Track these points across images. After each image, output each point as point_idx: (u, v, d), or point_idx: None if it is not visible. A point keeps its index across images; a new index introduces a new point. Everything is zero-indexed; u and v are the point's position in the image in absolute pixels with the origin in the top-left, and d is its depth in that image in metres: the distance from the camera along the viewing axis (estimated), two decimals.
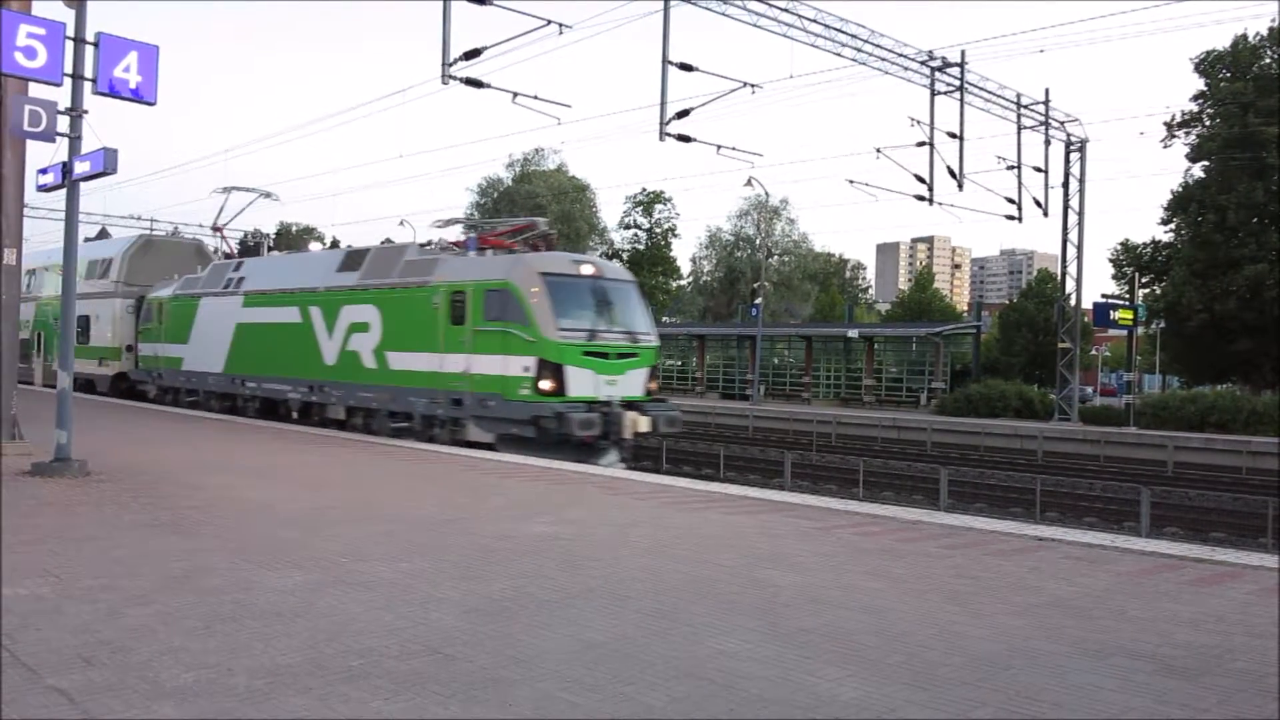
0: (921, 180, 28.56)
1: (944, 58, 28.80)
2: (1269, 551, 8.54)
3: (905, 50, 28.01)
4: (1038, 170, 32.76)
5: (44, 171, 12.74)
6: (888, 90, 37.47)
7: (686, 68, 22.31)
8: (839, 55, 26.74)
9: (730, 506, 10.51)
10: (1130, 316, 34.31)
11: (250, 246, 31.04)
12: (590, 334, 17.36)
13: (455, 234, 21.71)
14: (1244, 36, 39.40)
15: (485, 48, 19.77)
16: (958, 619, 6.12)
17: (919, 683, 4.86)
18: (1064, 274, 37.07)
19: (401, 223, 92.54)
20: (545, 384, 16.65)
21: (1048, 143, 33.41)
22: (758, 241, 67.10)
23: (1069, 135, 34.95)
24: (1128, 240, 45.50)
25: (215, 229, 31.26)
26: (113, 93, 11.57)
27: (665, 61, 21.94)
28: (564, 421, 16.04)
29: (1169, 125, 41.55)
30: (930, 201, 28.87)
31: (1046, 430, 32.06)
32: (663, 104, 22.14)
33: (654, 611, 6.08)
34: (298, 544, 7.92)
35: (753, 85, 23.16)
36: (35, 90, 12.03)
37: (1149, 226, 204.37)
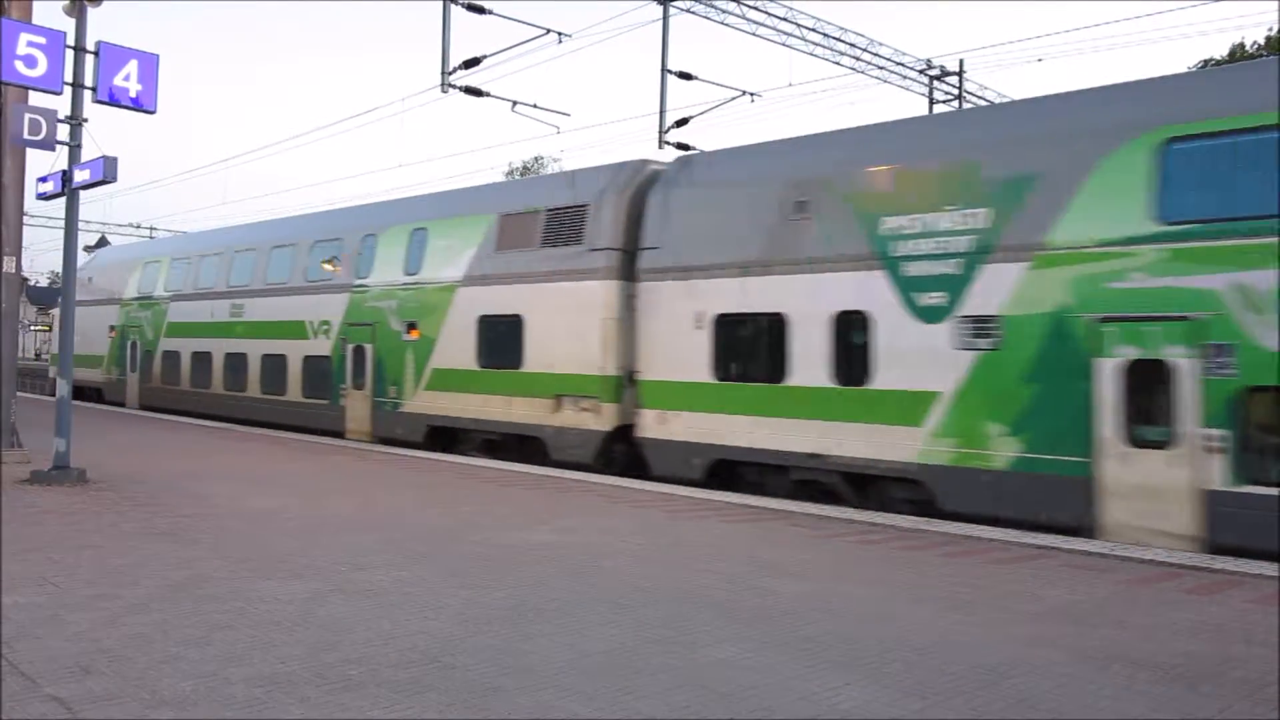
0: None
1: (942, 66, 28.91)
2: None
3: (904, 59, 28.09)
4: None
5: (44, 179, 12.76)
6: (886, 98, 37.85)
7: (686, 76, 22.41)
8: (838, 64, 26.83)
9: (730, 514, 10.50)
10: None
11: None
12: None
13: None
14: (1241, 45, 39.53)
15: (484, 56, 19.83)
16: (957, 627, 6.12)
17: (919, 690, 4.86)
18: None
19: None
20: None
21: None
22: None
23: None
24: None
25: None
26: (113, 101, 11.61)
27: (664, 70, 22.02)
28: None
29: None
30: None
31: None
32: (662, 112, 22.19)
33: (653, 620, 6.08)
34: (297, 552, 7.91)
35: (752, 94, 23.25)
36: (35, 99, 12.05)
37: None
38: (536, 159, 73.16)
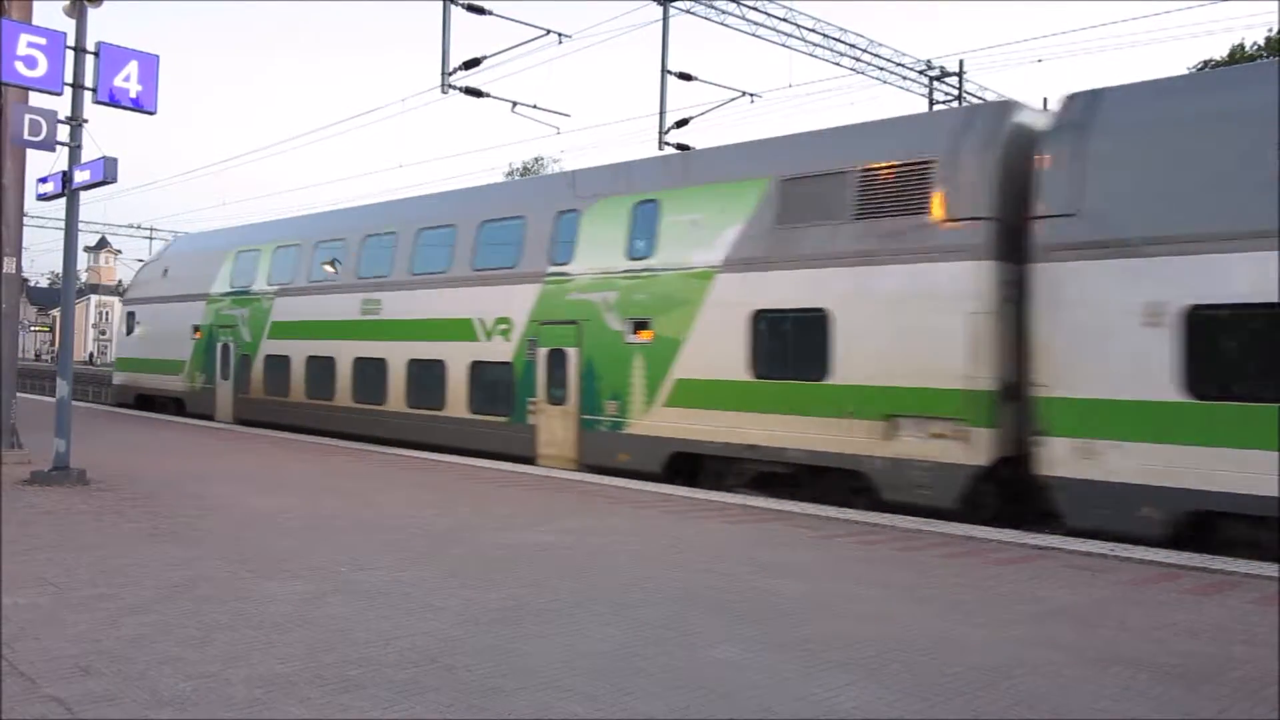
0: None
1: (942, 67, 28.94)
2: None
3: (904, 59, 28.12)
4: None
5: (44, 180, 12.76)
6: (886, 99, 37.83)
7: (686, 77, 22.45)
8: (838, 64, 26.85)
9: (731, 515, 10.50)
10: None
11: None
12: None
13: None
14: (1240, 46, 39.56)
15: (485, 57, 19.86)
16: (958, 627, 6.12)
17: (919, 691, 4.86)
18: None
19: None
20: None
21: None
22: None
23: None
24: None
25: None
26: (113, 102, 11.61)
27: (664, 71, 22.05)
28: None
29: None
30: None
31: None
32: (661, 113, 22.23)
33: (653, 620, 6.08)
34: (297, 553, 7.91)
35: (751, 94, 23.28)
36: (36, 99, 12.06)
37: None
38: (537, 159, 73.17)
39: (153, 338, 25.02)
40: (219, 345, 22.31)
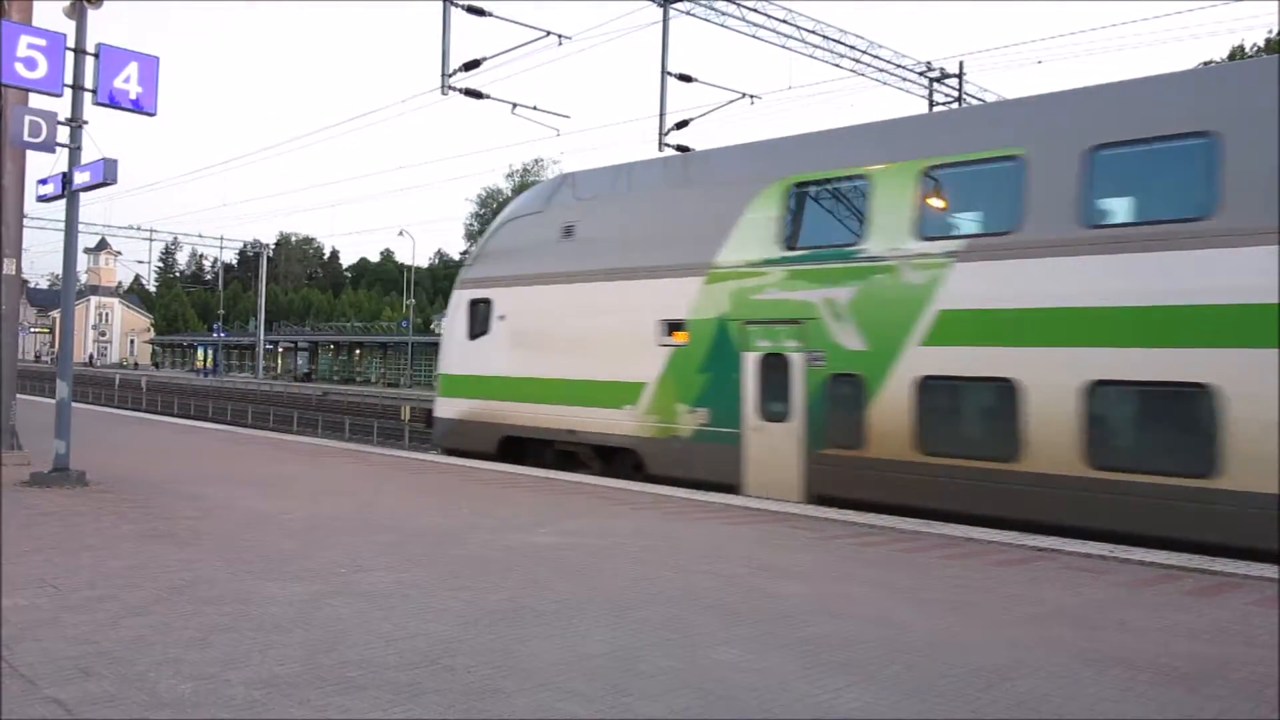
0: None
1: (942, 68, 28.99)
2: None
3: (904, 61, 28.16)
4: None
5: (44, 182, 12.74)
6: (886, 100, 37.77)
7: (685, 78, 22.50)
8: (838, 66, 26.89)
9: (730, 516, 10.50)
10: None
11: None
12: None
13: None
14: (1241, 47, 39.61)
15: (485, 59, 19.91)
16: (958, 629, 6.12)
17: (919, 693, 4.85)
18: None
19: (400, 233, 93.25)
20: None
21: None
22: None
23: None
24: None
25: None
26: (113, 103, 11.61)
27: (664, 72, 22.09)
28: None
29: None
30: None
31: None
32: (661, 114, 22.26)
33: (653, 622, 6.07)
34: (297, 554, 7.90)
35: (752, 96, 23.33)
36: (35, 100, 12.05)
37: None
38: (537, 161, 73.17)
39: (545, 342, 15.03)
40: (748, 356, 12.52)
